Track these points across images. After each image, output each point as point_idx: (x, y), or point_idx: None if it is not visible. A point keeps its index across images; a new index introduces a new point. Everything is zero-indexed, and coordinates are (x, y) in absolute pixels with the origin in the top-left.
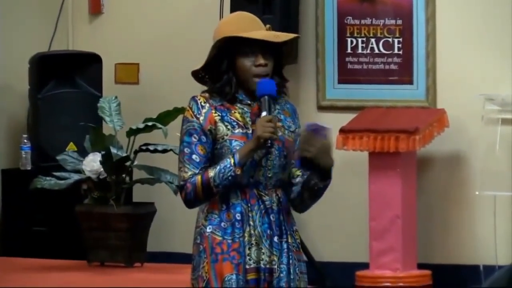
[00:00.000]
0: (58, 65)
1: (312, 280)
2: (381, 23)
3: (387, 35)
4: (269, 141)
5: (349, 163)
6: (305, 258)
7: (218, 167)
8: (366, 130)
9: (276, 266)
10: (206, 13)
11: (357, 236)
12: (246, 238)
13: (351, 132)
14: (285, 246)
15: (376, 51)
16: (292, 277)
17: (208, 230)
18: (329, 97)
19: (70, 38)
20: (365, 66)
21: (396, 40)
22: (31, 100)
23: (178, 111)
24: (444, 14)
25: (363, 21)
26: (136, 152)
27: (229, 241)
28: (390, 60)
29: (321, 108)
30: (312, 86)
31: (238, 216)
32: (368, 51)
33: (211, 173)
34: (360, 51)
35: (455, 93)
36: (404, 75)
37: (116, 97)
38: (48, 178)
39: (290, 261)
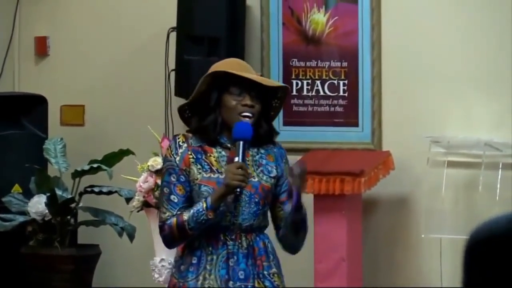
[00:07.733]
0: (4, 107)
1: None
2: (327, 65)
3: (332, 77)
4: (238, 189)
5: None
6: None
7: (192, 211)
8: (311, 172)
9: None
10: (151, 55)
11: (302, 279)
12: (200, 282)
13: None
14: None
15: (322, 93)
16: None
17: (172, 270)
18: None
19: (16, 79)
20: (310, 108)
21: (341, 83)
22: None
23: (123, 152)
24: (390, 56)
25: (308, 63)
26: (81, 194)
27: (181, 284)
28: (335, 102)
29: None
30: None
31: (194, 260)
32: (314, 93)
33: (185, 216)
34: (305, 93)
35: (401, 135)
36: (349, 117)
37: (61, 139)
38: None
39: None
